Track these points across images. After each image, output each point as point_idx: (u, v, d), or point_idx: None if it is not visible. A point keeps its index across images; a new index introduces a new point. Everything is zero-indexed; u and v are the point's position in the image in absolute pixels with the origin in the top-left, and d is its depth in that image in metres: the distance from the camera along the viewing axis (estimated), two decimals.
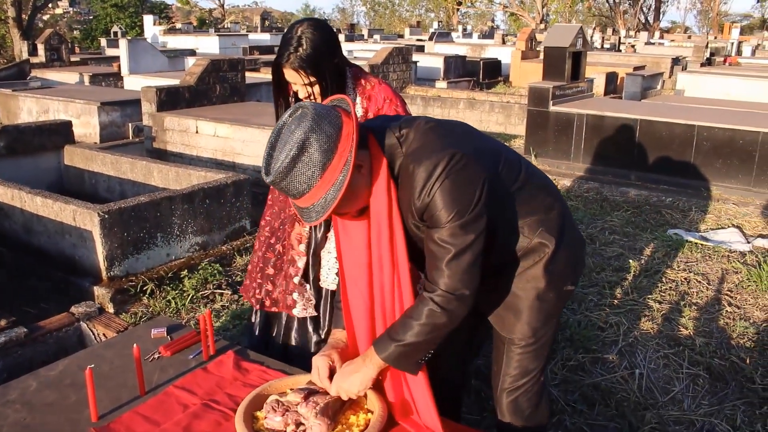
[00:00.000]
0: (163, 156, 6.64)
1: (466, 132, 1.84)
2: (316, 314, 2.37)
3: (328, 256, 2.30)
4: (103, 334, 2.59)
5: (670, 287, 4.11)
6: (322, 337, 2.38)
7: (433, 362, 1.82)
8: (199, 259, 4.24)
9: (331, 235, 2.28)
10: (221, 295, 3.95)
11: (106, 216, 3.81)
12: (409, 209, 1.70)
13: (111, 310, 3.70)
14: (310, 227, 2.31)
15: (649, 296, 3.95)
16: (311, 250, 2.33)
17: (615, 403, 2.92)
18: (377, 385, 1.88)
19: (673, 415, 2.86)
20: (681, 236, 5.06)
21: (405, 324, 1.70)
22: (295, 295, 2.33)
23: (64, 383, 2.08)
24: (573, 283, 1.96)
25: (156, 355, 2.25)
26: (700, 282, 4.19)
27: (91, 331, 2.63)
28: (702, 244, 4.87)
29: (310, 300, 2.35)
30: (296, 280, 2.33)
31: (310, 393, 1.74)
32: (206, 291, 4.00)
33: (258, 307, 2.44)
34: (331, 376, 1.81)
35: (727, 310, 3.80)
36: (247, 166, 6.01)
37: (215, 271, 4.16)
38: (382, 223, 1.71)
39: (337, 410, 1.74)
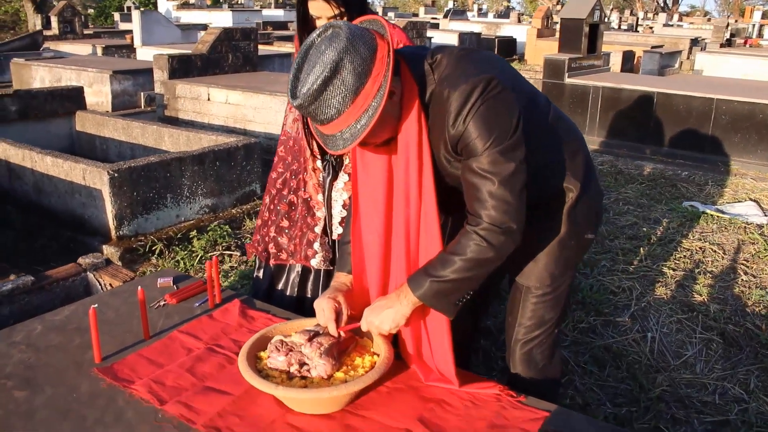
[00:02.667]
0: (174, 124, 6.60)
1: (502, 62, 1.73)
2: (332, 268, 2.31)
3: (334, 204, 2.25)
4: (110, 284, 2.57)
5: (685, 256, 4.05)
6: None
7: None
8: (208, 221, 4.22)
9: (338, 182, 2.23)
10: (230, 256, 3.93)
11: (116, 175, 3.79)
12: (442, 139, 1.60)
13: None
14: (324, 175, 2.25)
15: (663, 263, 3.89)
16: (325, 200, 2.28)
17: (626, 366, 2.88)
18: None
19: (685, 378, 2.81)
20: (697, 208, 4.98)
21: (445, 260, 1.60)
22: (316, 246, 2.27)
23: (69, 327, 2.07)
24: (593, 232, 1.90)
25: (161, 303, 2.23)
26: (715, 251, 4.12)
27: (98, 281, 2.61)
28: (718, 216, 4.79)
29: (330, 252, 2.29)
30: (317, 229, 2.27)
31: (315, 334, 1.71)
32: (215, 252, 3.98)
33: (273, 261, 2.38)
34: (337, 319, 1.77)
35: (742, 279, 3.73)
36: (259, 133, 5.97)
37: (224, 233, 4.14)
38: (411, 154, 1.60)
39: (342, 352, 1.70)
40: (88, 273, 2.63)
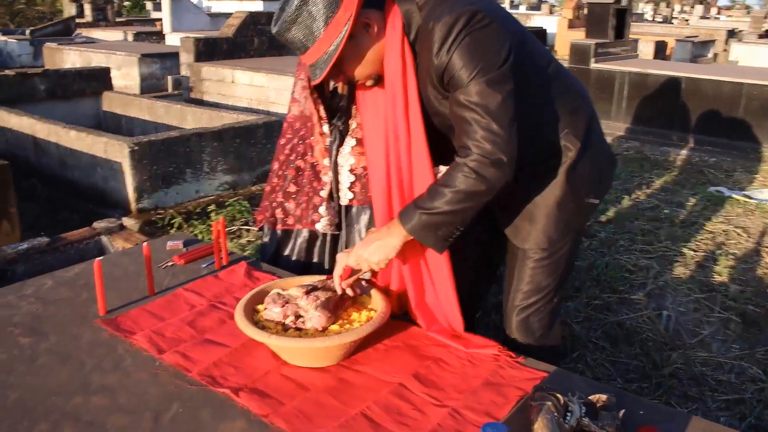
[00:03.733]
0: (199, 105, 6.67)
1: (492, 2, 1.70)
2: (338, 233, 2.31)
3: (341, 170, 2.25)
4: (122, 247, 2.61)
5: (707, 238, 3.97)
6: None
7: None
8: (227, 198, 4.26)
9: (345, 147, 2.23)
10: (248, 230, 3.96)
11: (136, 148, 3.84)
12: (428, 74, 1.60)
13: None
14: (330, 140, 2.25)
15: (684, 244, 3.82)
16: (332, 165, 2.28)
17: (639, 343, 2.83)
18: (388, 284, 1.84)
19: (700, 356, 2.76)
20: (722, 193, 4.87)
21: (435, 192, 1.57)
22: (322, 209, 2.27)
23: (78, 283, 2.10)
24: (596, 196, 1.84)
25: (169, 263, 2.25)
26: (739, 234, 4.03)
27: (111, 244, 2.65)
28: (744, 201, 4.69)
29: (335, 216, 2.29)
30: (323, 193, 2.28)
31: (313, 288, 1.71)
32: (233, 227, 4.01)
33: (280, 226, 2.38)
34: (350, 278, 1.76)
35: (765, 261, 3.65)
36: (281, 114, 5.99)
37: (243, 209, 4.17)
38: (396, 90, 1.62)
39: (338, 307, 1.70)
40: (102, 236, 2.67)
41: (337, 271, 1.75)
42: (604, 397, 1.55)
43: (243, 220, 4.14)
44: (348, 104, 2.23)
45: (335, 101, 2.29)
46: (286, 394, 1.53)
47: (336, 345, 1.54)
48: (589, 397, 1.56)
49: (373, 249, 1.66)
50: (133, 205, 3.92)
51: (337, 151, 2.25)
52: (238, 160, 4.43)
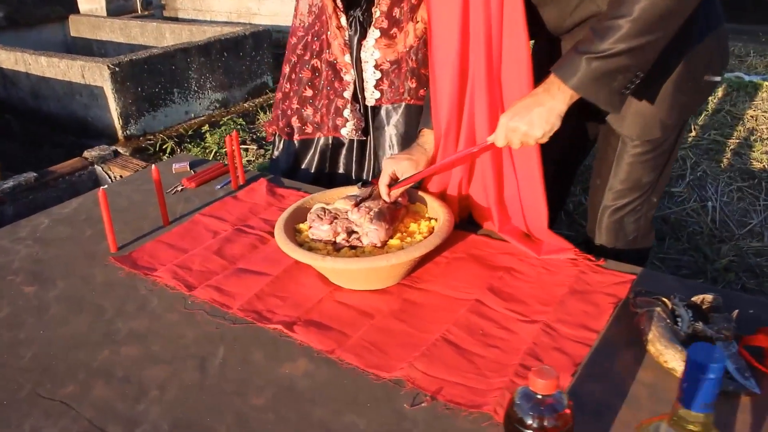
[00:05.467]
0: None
1: None
2: (365, 138, 2.04)
3: (366, 66, 1.95)
4: (120, 176, 2.33)
5: (737, 124, 3.73)
6: (372, 162, 2.06)
7: None
8: (219, 117, 3.94)
9: (368, 40, 1.93)
10: (246, 150, 3.67)
11: (117, 69, 3.49)
12: None
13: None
14: (350, 34, 1.94)
15: (714, 131, 3.59)
16: (354, 61, 1.97)
17: (686, 237, 2.64)
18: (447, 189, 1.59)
19: (753, 246, 2.58)
20: (742, 78, 4.61)
21: (603, 29, 1.20)
22: (346, 113, 1.98)
23: (79, 219, 1.84)
24: (715, 72, 1.51)
25: (179, 188, 1.99)
26: None
27: (107, 174, 2.37)
28: (766, 85, 4.43)
29: (362, 120, 2.00)
30: (347, 94, 1.98)
31: (362, 200, 1.46)
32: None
33: (298, 136, 2.09)
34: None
35: None
36: (265, 26, 5.57)
37: (238, 127, 3.86)
38: None
39: (394, 218, 1.46)
40: (95, 166, 2.39)
41: (384, 179, 1.50)
42: (709, 297, 1.35)
43: (240, 138, 3.83)
44: None
45: None
46: (348, 323, 1.30)
47: (403, 262, 1.30)
48: (692, 299, 1.36)
49: (534, 118, 1.29)
50: (120, 132, 3.60)
51: (359, 45, 1.95)
52: (227, 76, 4.09)
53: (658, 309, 1.26)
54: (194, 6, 6.08)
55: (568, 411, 0.79)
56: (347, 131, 2.00)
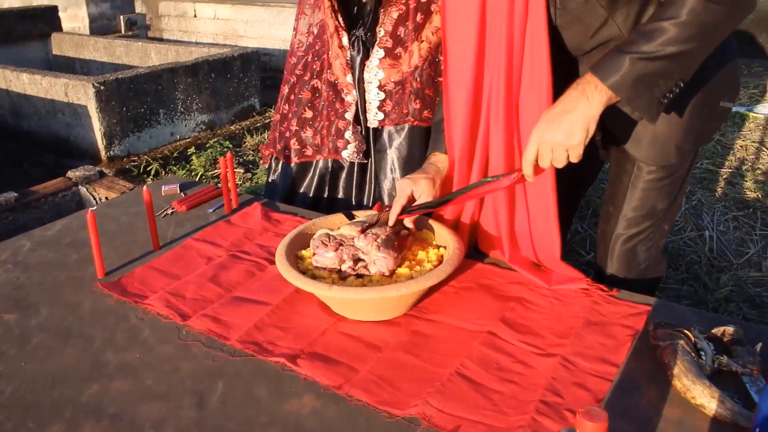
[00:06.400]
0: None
1: None
2: (366, 161, 1.97)
3: (369, 86, 1.90)
4: (106, 197, 2.24)
5: (728, 154, 3.74)
6: (373, 186, 1.99)
7: None
8: (206, 139, 3.86)
9: (372, 60, 1.87)
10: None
11: (102, 88, 3.40)
12: None
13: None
14: (352, 53, 1.88)
15: (707, 161, 3.59)
16: (356, 82, 1.91)
17: (685, 266, 2.61)
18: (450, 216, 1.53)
19: (751, 276, 2.55)
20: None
21: (649, 31, 1.14)
22: (348, 135, 1.91)
23: (64, 242, 1.75)
24: (730, 98, 1.48)
25: (169, 211, 1.91)
26: (759, 149, 3.82)
27: (92, 195, 2.28)
28: (753, 116, 4.47)
29: (363, 142, 1.93)
30: (348, 116, 1.91)
31: (368, 226, 1.39)
32: (216, 171, 3.63)
33: (297, 159, 2.01)
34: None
35: None
36: (252, 49, 5.52)
37: (225, 150, 3.78)
38: None
39: (402, 246, 1.39)
40: (80, 186, 2.29)
41: (400, 200, 1.43)
42: (730, 329, 1.30)
43: None
44: (374, 8, 1.86)
45: (354, 6, 1.92)
46: (355, 356, 1.23)
47: (413, 292, 1.23)
48: (712, 331, 1.31)
49: (572, 127, 1.20)
50: (103, 153, 3.50)
51: (362, 65, 1.90)
52: (214, 98, 4.02)
53: (682, 342, 1.20)
54: (180, 27, 6.02)
55: None
56: (348, 153, 1.94)
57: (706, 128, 1.48)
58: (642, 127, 1.43)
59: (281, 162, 2.08)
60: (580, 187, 1.92)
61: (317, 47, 1.98)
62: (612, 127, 1.45)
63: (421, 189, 1.45)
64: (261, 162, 2.11)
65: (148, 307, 1.41)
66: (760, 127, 4.25)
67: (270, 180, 2.15)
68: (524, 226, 1.45)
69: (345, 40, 1.90)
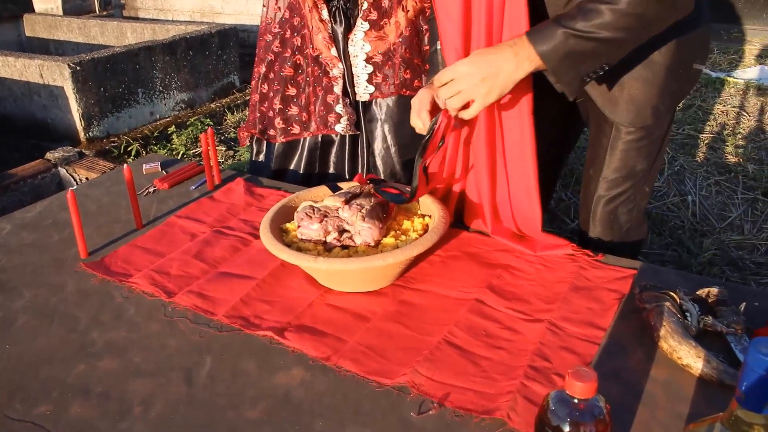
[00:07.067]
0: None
1: None
2: (357, 132, 1.94)
3: (355, 60, 1.87)
4: (86, 178, 2.21)
5: (709, 119, 3.76)
6: (366, 156, 1.96)
7: None
8: (186, 117, 3.81)
9: (357, 32, 1.84)
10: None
11: (78, 68, 3.34)
12: None
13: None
14: (334, 26, 1.84)
15: (688, 126, 3.61)
16: (341, 55, 1.88)
17: (668, 231, 2.63)
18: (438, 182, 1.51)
19: (734, 240, 2.57)
20: (709, 74, 4.66)
21: (589, 9, 1.17)
22: (339, 108, 1.88)
23: (44, 224, 1.73)
24: (702, 61, 1.51)
25: (151, 189, 1.88)
26: (739, 114, 3.84)
27: (72, 176, 2.25)
28: (733, 81, 4.48)
29: (353, 114, 1.91)
30: (337, 89, 1.88)
31: (352, 197, 1.38)
32: (197, 149, 3.60)
33: (283, 138, 1.97)
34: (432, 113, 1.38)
35: None
36: (230, 26, 5.44)
37: (206, 127, 3.74)
38: None
39: (386, 215, 1.38)
40: (59, 168, 2.26)
41: (425, 105, 1.38)
42: (714, 290, 1.31)
43: None
44: None
45: None
46: (342, 328, 1.23)
47: (400, 261, 1.23)
48: (697, 293, 1.32)
49: (489, 87, 1.23)
50: (82, 135, 3.45)
51: (345, 38, 1.87)
52: (193, 75, 3.96)
53: (668, 304, 1.21)
54: (155, 5, 5.92)
55: (607, 417, 0.72)
56: (342, 127, 1.91)
57: (680, 89, 1.51)
58: (618, 90, 1.45)
59: (264, 142, 2.06)
60: (562, 153, 1.92)
61: (295, 22, 1.94)
62: (590, 91, 1.45)
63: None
64: (240, 143, 2.08)
65: (133, 285, 1.40)
66: (740, 92, 4.27)
67: (255, 160, 2.13)
68: (505, 197, 1.46)
69: (325, 14, 1.87)
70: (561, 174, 2.09)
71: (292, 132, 1.98)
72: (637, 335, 1.20)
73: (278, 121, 1.98)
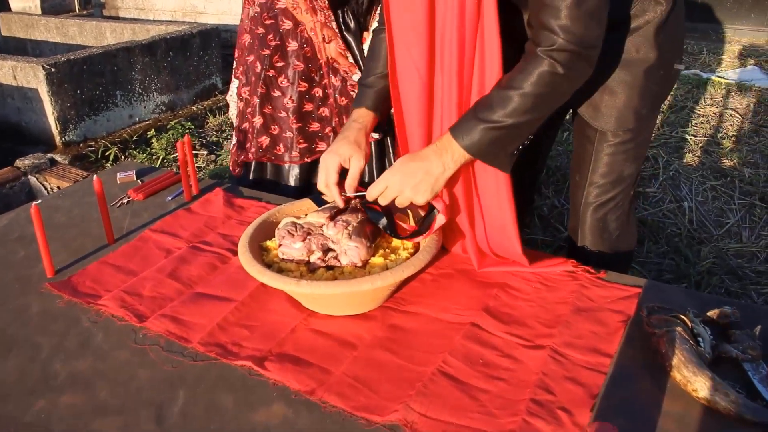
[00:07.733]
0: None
1: None
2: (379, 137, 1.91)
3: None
4: (58, 187, 2.09)
5: (702, 122, 3.69)
6: (393, 159, 1.89)
7: None
8: (166, 120, 3.69)
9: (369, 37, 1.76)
10: (196, 156, 3.43)
11: (53, 70, 3.21)
12: None
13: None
14: (345, 34, 1.77)
15: (682, 129, 3.54)
16: (358, 61, 1.81)
17: (665, 239, 2.55)
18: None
19: (732, 247, 2.50)
20: (700, 75, 4.60)
21: (501, 98, 1.19)
22: None
23: (10, 238, 1.61)
24: (681, 61, 1.49)
25: (125, 200, 1.78)
26: (732, 116, 3.77)
27: (43, 185, 2.13)
28: (725, 81, 4.42)
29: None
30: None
31: (337, 212, 1.28)
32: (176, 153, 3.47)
33: (307, 159, 1.90)
34: (343, 182, 1.34)
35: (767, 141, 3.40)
36: (212, 25, 5.31)
37: (187, 131, 3.62)
38: None
39: (374, 233, 1.29)
40: (29, 176, 2.14)
41: (331, 178, 1.33)
42: (726, 311, 1.22)
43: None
44: None
45: None
46: (327, 356, 1.13)
47: (388, 284, 1.13)
48: (708, 314, 1.23)
49: (416, 185, 1.24)
50: (58, 138, 3.32)
51: (360, 40, 1.79)
52: (173, 77, 3.84)
53: (679, 329, 1.12)
54: (136, 5, 5.78)
55: None
56: (376, 134, 1.84)
57: (660, 91, 1.49)
58: (599, 96, 1.44)
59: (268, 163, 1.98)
60: (538, 158, 1.90)
61: (299, 29, 1.85)
62: (570, 100, 1.40)
63: (346, 154, 1.34)
64: (235, 173, 1.99)
65: (102, 308, 1.30)
66: (732, 93, 4.21)
67: (254, 179, 2.03)
68: (482, 236, 1.38)
69: (333, 24, 1.80)
70: (539, 179, 2.04)
71: (317, 150, 1.90)
72: (646, 363, 1.11)
73: (299, 140, 1.90)
